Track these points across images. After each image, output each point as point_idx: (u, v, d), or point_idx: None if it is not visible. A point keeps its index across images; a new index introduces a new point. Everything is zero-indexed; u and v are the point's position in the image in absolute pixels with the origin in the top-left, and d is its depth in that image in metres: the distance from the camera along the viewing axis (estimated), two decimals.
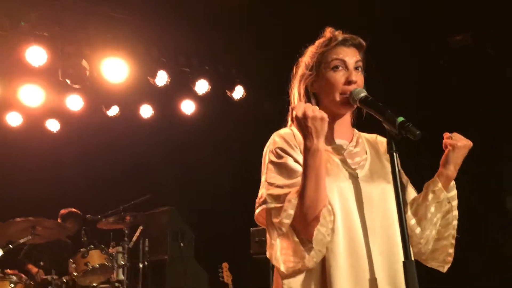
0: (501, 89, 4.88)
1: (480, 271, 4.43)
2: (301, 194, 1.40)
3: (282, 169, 1.51)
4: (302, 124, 1.40)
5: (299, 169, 1.47)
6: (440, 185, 1.55)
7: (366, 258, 1.46)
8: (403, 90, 4.87)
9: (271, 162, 1.54)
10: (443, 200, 1.56)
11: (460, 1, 4.36)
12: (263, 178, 1.55)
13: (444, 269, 1.64)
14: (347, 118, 1.66)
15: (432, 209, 1.56)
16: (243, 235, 5.61)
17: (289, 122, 1.66)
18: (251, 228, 5.34)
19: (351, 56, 1.58)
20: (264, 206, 1.47)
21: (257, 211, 1.52)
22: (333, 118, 1.60)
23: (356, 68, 1.58)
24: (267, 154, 1.58)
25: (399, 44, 4.81)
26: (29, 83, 5.38)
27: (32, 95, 5.43)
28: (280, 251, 1.44)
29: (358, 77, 1.57)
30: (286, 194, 1.44)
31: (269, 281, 4.88)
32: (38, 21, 4.80)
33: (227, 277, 4.77)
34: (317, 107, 1.45)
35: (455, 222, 1.61)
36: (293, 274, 1.43)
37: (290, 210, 1.42)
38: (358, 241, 1.47)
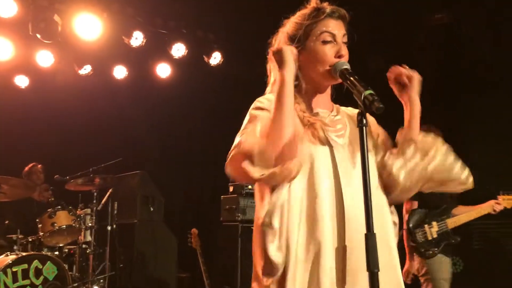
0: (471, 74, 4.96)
1: None
2: (272, 123, 1.41)
3: (260, 119, 1.49)
4: (275, 58, 1.48)
5: None
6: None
7: (336, 226, 1.45)
8: (372, 64, 4.91)
9: (250, 114, 1.54)
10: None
11: None
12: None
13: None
14: (328, 92, 1.66)
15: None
16: (214, 202, 5.64)
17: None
18: (222, 196, 5.36)
19: (339, 29, 1.56)
20: (236, 150, 1.43)
21: (229, 157, 1.47)
22: (316, 91, 1.61)
23: (343, 42, 1.57)
24: (249, 112, 1.57)
25: (374, 20, 4.79)
26: None
27: (0, 48, 5.23)
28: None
29: (346, 51, 1.57)
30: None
31: (237, 249, 4.94)
32: None
33: (195, 243, 4.79)
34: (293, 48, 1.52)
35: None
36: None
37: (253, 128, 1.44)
38: (328, 205, 1.46)
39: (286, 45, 1.57)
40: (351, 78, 1.46)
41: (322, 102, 1.64)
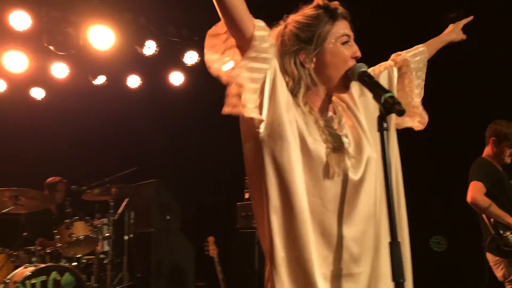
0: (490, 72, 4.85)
1: None
2: None
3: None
4: None
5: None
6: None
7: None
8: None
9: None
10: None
11: None
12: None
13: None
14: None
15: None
16: (230, 209, 5.60)
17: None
18: (238, 203, 5.32)
19: (350, 30, 1.57)
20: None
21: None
22: (329, 93, 1.58)
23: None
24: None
25: (390, 19, 4.73)
26: (13, 49, 5.24)
27: (16, 61, 5.30)
28: None
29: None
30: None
31: (254, 256, 4.89)
32: None
33: (212, 250, 4.76)
34: None
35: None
36: None
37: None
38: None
39: (294, 47, 1.54)
40: (370, 81, 1.45)
41: (327, 104, 1.60)
